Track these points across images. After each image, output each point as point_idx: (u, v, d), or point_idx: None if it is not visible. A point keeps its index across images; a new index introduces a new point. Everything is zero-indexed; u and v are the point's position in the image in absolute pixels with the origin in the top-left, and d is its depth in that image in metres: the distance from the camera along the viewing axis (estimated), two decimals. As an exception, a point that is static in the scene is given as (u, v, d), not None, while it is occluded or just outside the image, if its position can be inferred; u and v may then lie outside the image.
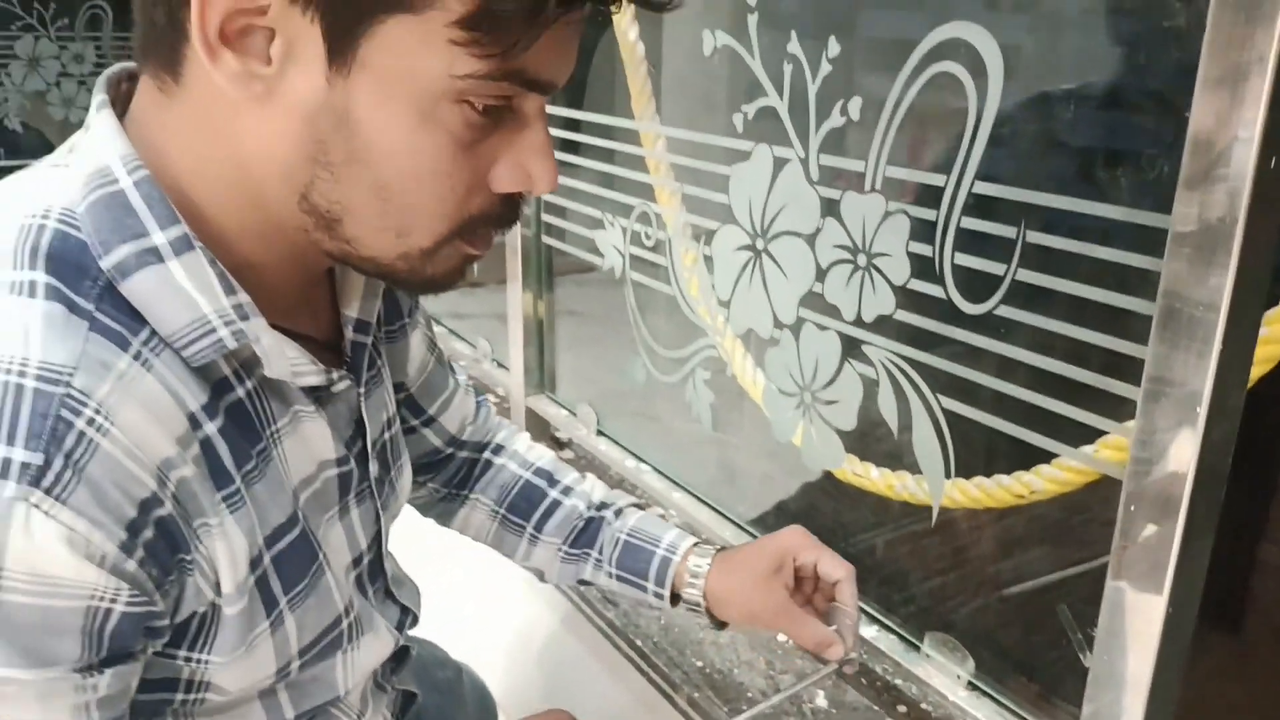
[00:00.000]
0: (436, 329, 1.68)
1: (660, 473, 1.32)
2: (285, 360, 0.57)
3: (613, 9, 0.53)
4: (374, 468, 0.68)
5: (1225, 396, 0.63)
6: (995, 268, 0.79)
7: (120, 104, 0.56)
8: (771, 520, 1.16)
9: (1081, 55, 0.74)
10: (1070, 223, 0.73)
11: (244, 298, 0.54)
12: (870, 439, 0.97)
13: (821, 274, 0.97)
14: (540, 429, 1.58)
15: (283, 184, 0.53)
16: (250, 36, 0.48)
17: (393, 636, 0.72)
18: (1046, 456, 0.82)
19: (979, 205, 0.80)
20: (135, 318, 0.51)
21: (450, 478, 0.93)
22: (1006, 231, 0.78)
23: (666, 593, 0.85)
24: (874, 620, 1.01)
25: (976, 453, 0.89)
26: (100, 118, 0.54)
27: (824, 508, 1.09)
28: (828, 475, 1.04)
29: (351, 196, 0.52)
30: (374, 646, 0.69)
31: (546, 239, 1.48)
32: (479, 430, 0.94)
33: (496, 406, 1.76)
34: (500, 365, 1.74)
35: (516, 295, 1.52)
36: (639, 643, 1.10)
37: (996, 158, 0.78)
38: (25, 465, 0.45)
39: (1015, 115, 0.77)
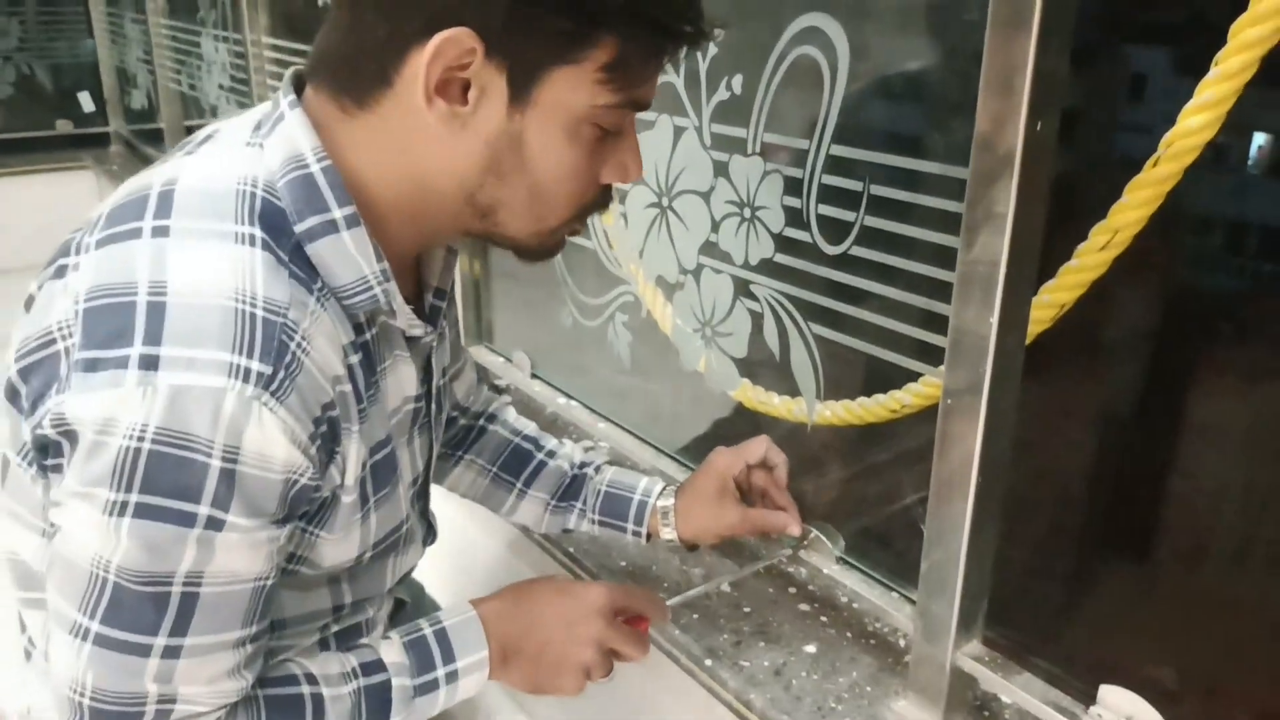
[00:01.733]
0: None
1: (588, 407, 1.49)
2: (405, 315, 0.75)
3: (700, 49, 0.75)
4: (434, 406, 0.87)
5: (1014, 300, 0.81)
6: (848, 215, 0.97)
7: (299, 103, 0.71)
8: (682, 440, 1.33)
9: (909, 41, 0.92)
10: (903, 177, 0.91)
11: (386, 265, 0.71)
12: (760, 365, 1.15)
13: (716, 226, 1.14)
14: (481, 375, 1.73)
15: (457, 187, 0.70)
16: (452, 86, 0.66)
17: (422, 549, 0.92)
18: (909, 377, 1.00)
19: (835, 164, 0.97)
20: (314, 273, 0.68)
21: (450, 439, 1.10)
22: (855, 185, 0.95)
23: (644, 530, 1.05)
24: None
25: (847, 375, 1.07)
26: (294, 115, 0.69)
27: (725, 427, 1.27)
28: (728, 399, 1.21)
29: (510, 195, 0.71)
30: (412, 554, 0.89)
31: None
32: (477, 401, 1.13)
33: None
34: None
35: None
36: (572, 549, 1.28)
37: (847, 125, 0.95)
38: (260, 374, 0.62)
39: (860, 90, 0.94)
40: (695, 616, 1.10)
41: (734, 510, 1.02)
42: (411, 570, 1.01)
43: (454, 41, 0.62)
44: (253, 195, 0.67)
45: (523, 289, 1.68)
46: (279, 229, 0.67)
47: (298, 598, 0.79)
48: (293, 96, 0.70)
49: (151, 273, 0.63)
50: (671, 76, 1.14)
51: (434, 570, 1.47)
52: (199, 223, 0.65)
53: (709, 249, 1.16)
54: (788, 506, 1.02)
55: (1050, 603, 1.20)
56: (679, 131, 1.15)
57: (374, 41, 0.65)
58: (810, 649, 1.06)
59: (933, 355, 0.94)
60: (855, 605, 1.10)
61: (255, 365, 0.62)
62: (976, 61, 0.79)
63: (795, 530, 1.01)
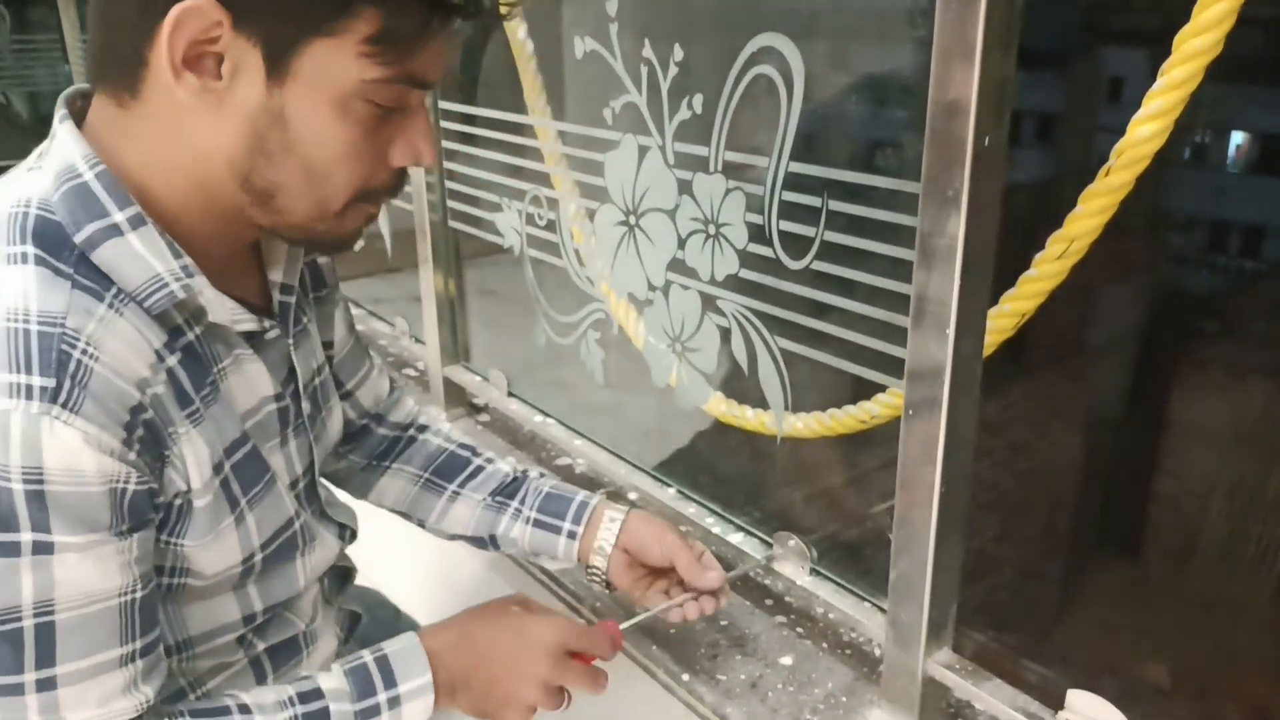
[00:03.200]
0: (358, 311, 1.87)
1: (564, 425, 1.50)
2: (225, 309, 0.73)
3: (470, 16, 0.69)
4: (306, 406, 0.85)
5: (969, 313, 0.83)
6: (809, 231, 0.98)
7: (77, 117, 0.71)
8: (658, 456, 1.34)
9: (863, 59, 0.93)
10: (860, 193, 0.92)
11: (188, 260, 0.69)
12: (730, 379, 1.16)
13: (682, 243, 1.15)
14: (457, 395, 1.74)
15: (228, 170, 0.68)
16: (205, 60, 0.64)
17: (338, 543, 0.90)
18: (875, 389, 1.01)
19: (794, 181, 0.99)
20: (105, 279, 0.66)
21: (372, 450, 1.07)
22: (814, 201, 0.97)
23: (581, 529, 0.98)
24: (738, 529, 1.20)
25: (818, 386, 1.08)
26: (63, 128, 0.69)
27: (699, 441, 1.28)
28: (702, 413, 1.22)
29: (284, 177, 0.68)
30: (323, 551, 0.87)
31: (453, 223, 1.64)
32: (399, 411, 1.08)
33: (416, 378, 1.92)
34: (418, 340, 1.89)
35: (429, 276, 1.68)
36: (551, 569, 1.28)
37: (804, 142, 0.97)
38: (43, 388, 0.60)
39: (816, 109, 0.95)
40: (672, 631, 1.10)
41: (679, 536, 0.97)
42: (348, 575, 1.00)
43: (195, 12, 0.61)
44: (24, 215, 0.65)
45: (498, 307, 1.68)
46: (56, 242, 0.65)
47: (200, 610, 0.77)
48: (63, 112, 0.70)
49: None
50: (635, 96, 1.16)
51: (413, 584, 1.48)
52: None
53: (676, 266, 1.17)
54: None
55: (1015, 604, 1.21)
56: (643, 150, 1.17)
57: (127, 21, 0.64)
58: (786, 660, 1.06)
59: (897, 367, 0.95)
60: (830, 616, 1.11)
61: (36, 381, 0.60)
62: (928, 78, 0.80)
63: (715, 583, 0.95)
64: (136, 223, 0.67)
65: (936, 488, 0.87)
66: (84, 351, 0.62)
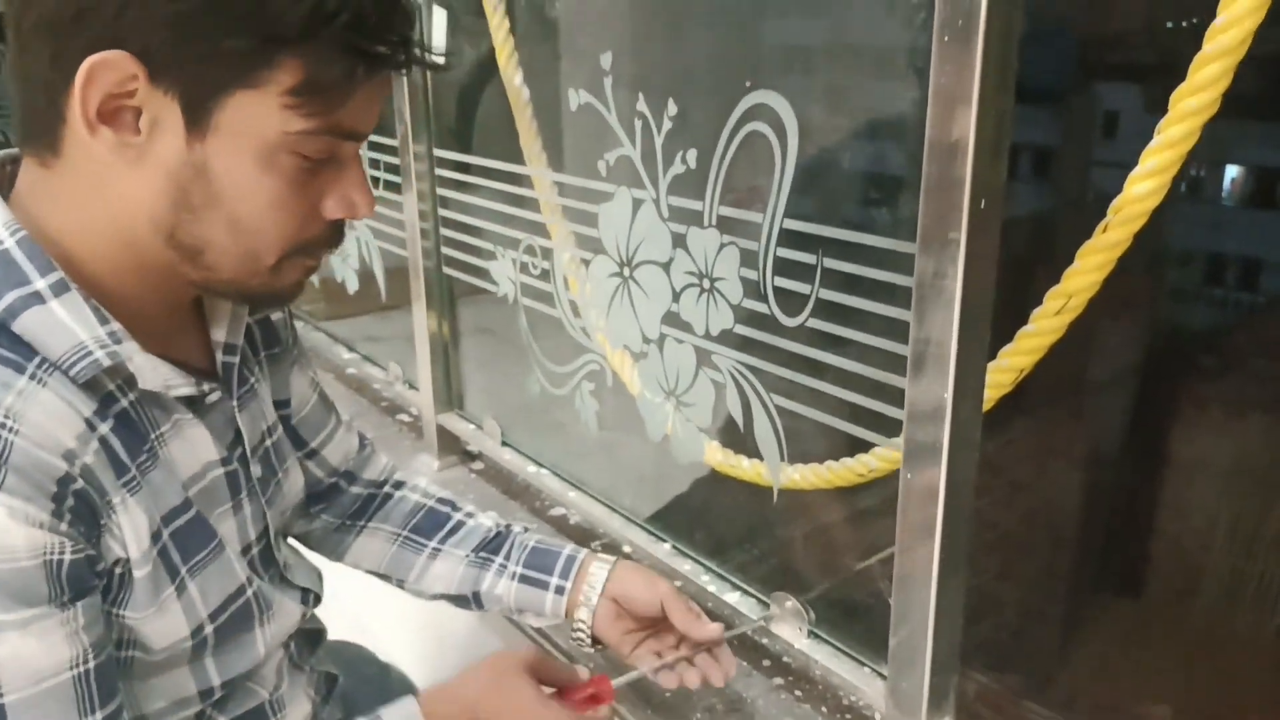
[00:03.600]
0: (350, 356, 1.85)
1: (558, 475, 1.48)
2: (159, 375, 0.70)
3: (403, 72, 0.69)
4: (256, 469, 0.82)
5: (967, 370, 0.81)
6: (804, 288, 0.97)
7: (7, 184, 0.70)
8: (653, 508, 1.32)
9: (857, 118, 0.93)
10: (856, 251, 0.91)
11: (116, 326, 0.66)
12: (726, 429, 1.15)
13: (676, 296, 1.13)
14: (451, 443, 1.72)
15: (152, 228, 0.66)
16: (122, 114, 0.62)
17: (300, 609, 0.86)
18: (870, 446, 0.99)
19: (789, 238, 0.97)
20: (27, 350, 0.63)
21: (346, 509, 1.04)
22: (809, 259, 0.95)
23: (569, 583, 0.96)
24: (735, 587, 1.18)
25: (816, 438, 1.06)
26: None
27: (695, 492, 1.26)
28: (699, 463, 1.20)
29: (210, 232, 0.66)
30: (284, 618, 0.84)
31: (448, 270, 1.63)
32: (372, 468, 1.06)
33: (409, 424, 1.90)
34: (411, 386, 1.87)
35: (422, 322, 1.67)
36: (538, 626, 1.26)
37: (799, 200, 0.96)
38: None
39: (811, 166, 0.94)
40: (668, 694, 1.08)
41: (672, 585, 0.95)
42: (318, 637, 0.96)
43: (108, 65, 0.59)
44: None
45: (493, 348, 1.67)
46: None
47: (154, 686, 0.74)
48: None
49: None
50: (629, 149, 1.15)
51: (400, 637, 1.45)
52: None
53: (671, 319, 1.15)
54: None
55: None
56: (637, 203, 1.16)
57: (41, 77, 0.62)
58: (784, 725, 1.04)
59: (893, 427, 0.94)
60: (829, 680, 1.08)
61: None
62: (923, 140, 0.79)
63: (713, 634, 0.92)
64: (59, 289, 0.64)
65: (936, 556, 0.85)
66: (2, 425, 0.60)
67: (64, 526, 0.62)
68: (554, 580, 0.97)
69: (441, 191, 1.56)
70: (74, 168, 0.65)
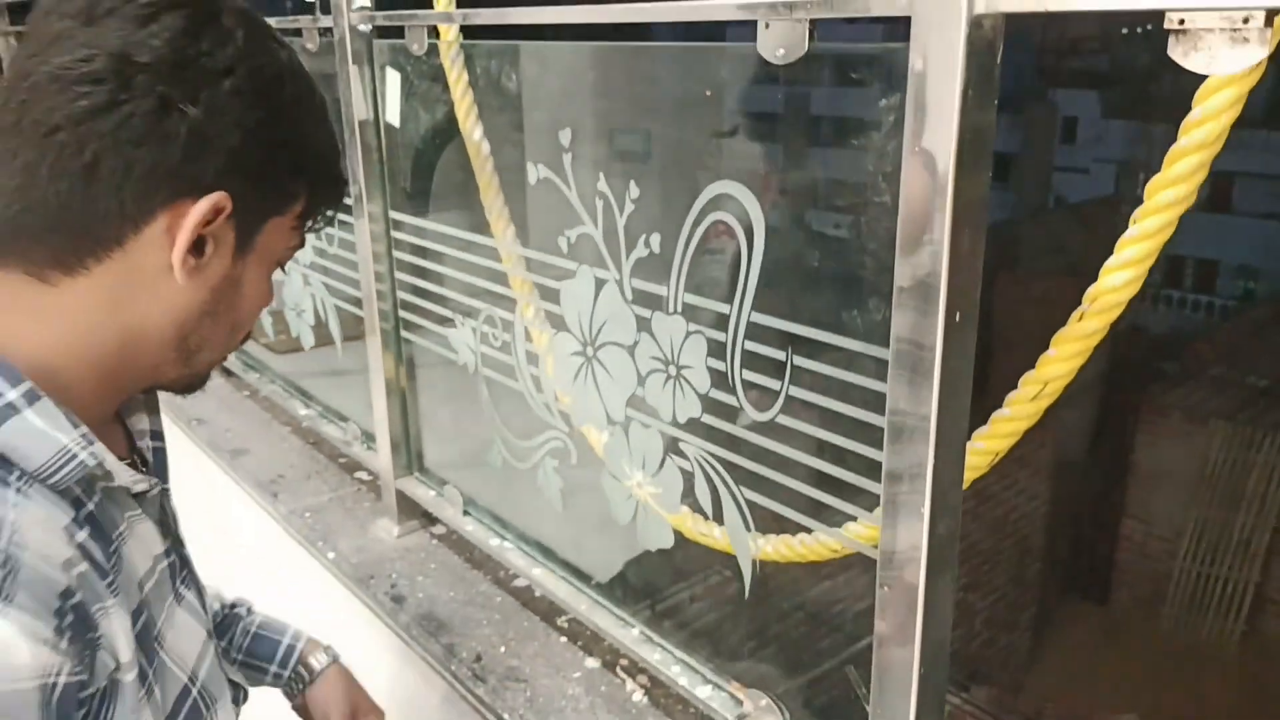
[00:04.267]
0: (306, 411, 1.79)
1: (522, 550, 1.44)
2: (127, 473, 0.70)
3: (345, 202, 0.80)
4: (186, 554, 0.83)
5: (943, 483, 0.78)
6: (773, 383, 0.94)
7: None
8: (620, 590, 1.28)
9: (824, 216, 0.90)
10: (827, 351, 0.88)
11: (85, 428, 0.65)
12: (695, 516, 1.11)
13: (642, 380, 1.10)
14: (411, 507, 1.67)
15: (175, 333, 0.70)
16: (197, 241, 0.67)
17: (234, 709, 0.86)
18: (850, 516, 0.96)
19: (757, 331, 0.94)
20: (4, 463, 0.62)
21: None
22: (779, 354, 0.92)
23: (287, 673, 1.05)
24: (706, 681, 1.14)
25: (781, 526, 1.03)
26: None
27: (662, 577, 1.22)
28: (668, 534, 1.16)
29: (216, 334, 0.73)
30: (224, 715, 0.81)
31: (406, 334, 1.58)
32: None
33: (368, 483, 1.85)
34: (369, 447, 1.82)
35: (380, 384, 1.62)
36: (505, 716, 1.22)
37: (766, 294, 0.93)
38: None
39: (778, 260, 0.91)
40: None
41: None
42: None
43: (215, 207, 0.66)
44: None
45: (453, 419, 1.62)
46: None
47: None
48: None
49: None
50: (590, 228, 1.11)
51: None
52: None
53: (636, 402, 1.12)
54: None
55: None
56: (600, 283, 1.12)
57: (108, 207, 0.64)
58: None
59: (869, 500, 0.91)
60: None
61: None
62: (892, 246, 0.77)
63: None
64: (31, 398, 0.63)
65: (917, 658, 0.82)
66: (9, 541, 0.59)
67: (64, 645, 0.60)
68: (272, 668, 1.05)
69: (399, 255, 1.52)
70: (100, 285, 0.66)
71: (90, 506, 0.67)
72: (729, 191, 0.93)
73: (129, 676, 0.66)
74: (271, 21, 1.65)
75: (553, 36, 1.12)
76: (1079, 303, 0.86)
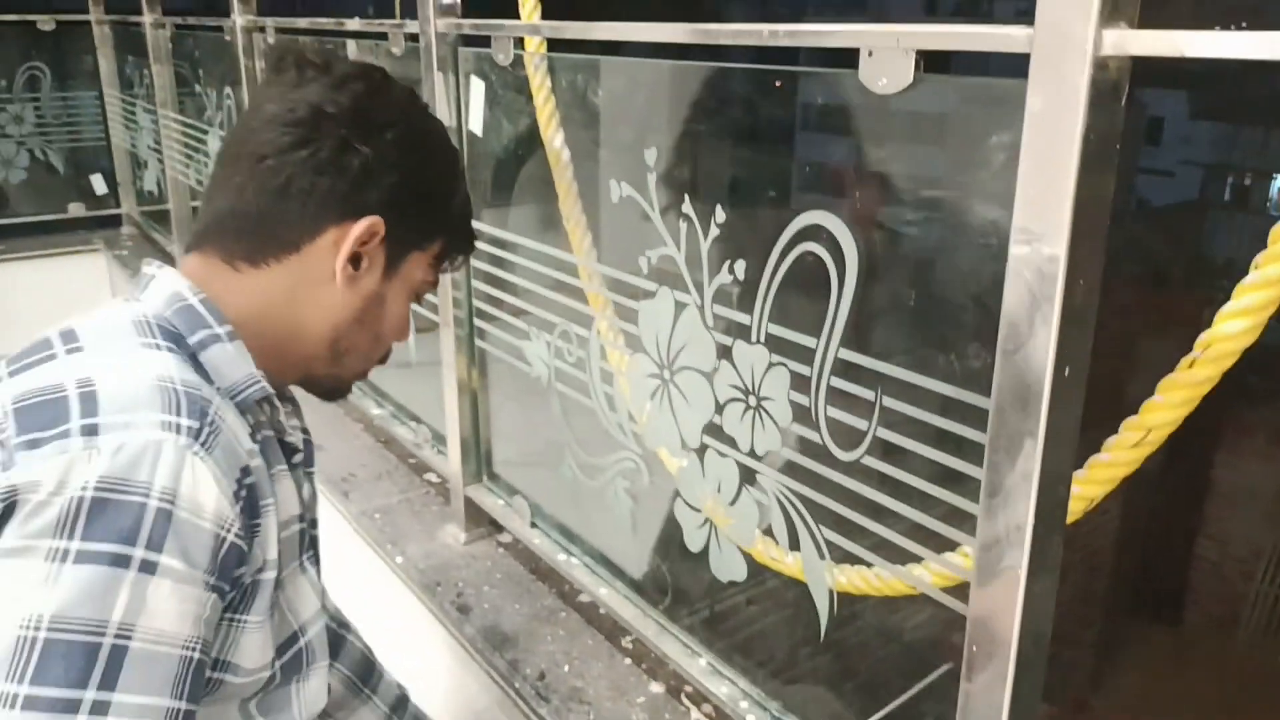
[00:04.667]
0: (379, 412, 1.82)
1: (589, 569, 1.42)
2: (285, 419, 0.85)
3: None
4: (316, 536, 0.92)
5: (1043, 557, 0.74)
6: (860, 423, 0.90)
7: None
8: (689, 618, 1.26)
9: (928, 255, 0.86)
10: (920, 396, 0.84)
11: (261, 374, 0.81)
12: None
13: (720, 408, 1.07)
14: (478, 515, 1.67)
15: (327, 330, 0.85)
16: (354, 256, 0.83)
17: (324, 697, 0.92)
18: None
19: (845, 369, 0.91)
20: (209, 378, 0.77)
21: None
22: (867, 394, 0.89)
23: None
24: (775, 718, 1.11)
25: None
26: (165, 271, 0.81)
27: (736, 611, 1.19)
28: (740, 565, 1.14)
29: (361, 341, 0.88)
30: (315, 684, 0.89)
31: (480, 344, 1.58)
32: (329, 597, 1.15)
33: (436, 487, 1.85)
34: (440, 451, 1.82)
35: (453, 391, 1.61)
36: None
37: (858, 331, 0.89)
38: (190, 428, 0.69)
39: (870, 298, 0.88)
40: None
41: None
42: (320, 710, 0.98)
43: (372, 229, 0.82)
44: (148, 323, 0.77)
45: (525, 429, 1.61)
46: (178, 341, 0.77)
47: None
48: (157, 263, 0.83)
49: (76, 374, 0.70)
50: (672, 250, 1.09)
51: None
52: (108, 343, 0.75)
53: (713, 430, 1.09)
54: None
55: None
56: (680, 306, 1.09)
57: (294, 218, 0.81)
58: None
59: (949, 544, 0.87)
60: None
61: (185, 421, 0.69)
62: (997, 289, 0.73)
63: None
64: (233, 336, 0.80)
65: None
66: (216, 411, 0.72)
67: (238, 508, 0.72)
68: None
69: (477, 264, 1.51)
70: (276, 279, 0.83)
71: (259, 439, 0.79)
72: (821, 222, 0.90)
73: (268, 576, 0.77)
74: (356, 23, 1.65)
75: (637, 53, 1.09)
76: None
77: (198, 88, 2.90)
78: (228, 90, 2.59)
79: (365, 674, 1.17)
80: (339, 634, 1.17)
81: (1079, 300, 0.69)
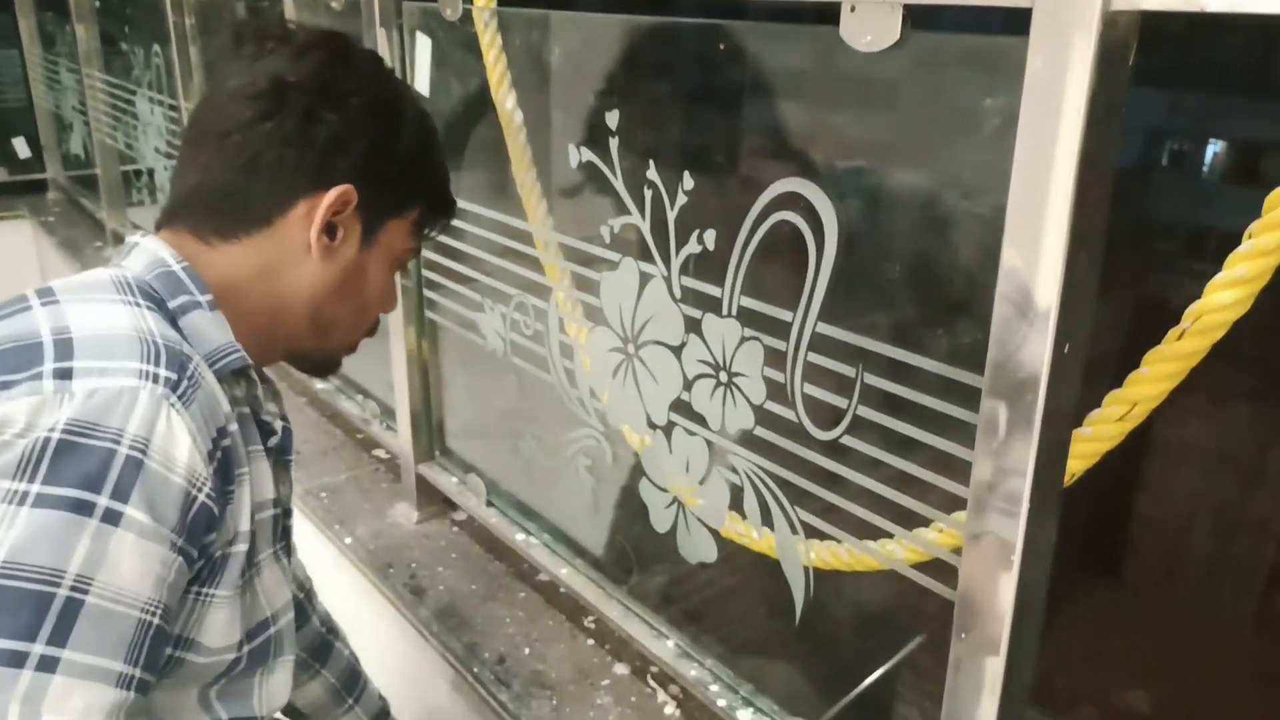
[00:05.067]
0: (324, 386, 1.74)
1: (550, 549, 1.37)
2: (264, 394, 0.83)
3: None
4: (290, 525, 0.90)
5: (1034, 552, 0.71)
6: (839, 401, 0.86)
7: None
8: (656, 599, 1.22)
9: (910, 225, 0.81)
10: (904, 371, 0.80)
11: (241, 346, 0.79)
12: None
13: (688, 384, 1.02)
14: (431, 493, 1.61)
15: (307, 303, 0.83)
16: (329, 226, 0.81)
17: (288, 687, 0.88)
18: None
19: (823, 343, 0.86)
20: (189, 343, 0.74)
21: (311, 643, 1.13)
22: (847, 370, 0.85)
23: None
24: (747, 703, 1.08)
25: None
26: (148, 239, 0.80)
27: (704, 590, 1.15)
28: (710, 558, 1.10)
29: (344, 313, 0.86)
30: (279, 678, 0.86)
31: (430, 314, 1.51)
32: (318, 603, 1.16)
33: (386, 462, 1.78)
34: (389, 427, 1.75)
35: (401, 366, 1.55)
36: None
37: (837, 304, 0.85)
38: (168, 379, 0.67)
39: (852, 269, 0.83)
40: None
41: None
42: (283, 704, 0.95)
43: (344, 198, 0.80)
44: (127, 281, 0.75)
45: (479, 404, 1.55)
46: (158, 302, 0.75)
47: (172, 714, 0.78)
48: (140, 232, 0.81)
49: (52, 323, 0.69)
50: (636, 219, 1.03)
51: None
52: (87, 294, 0.73)
53: (681, 407, 1.04)
54: None
55: None
56: (645, 278, 1.04)
57: (263, 192, 0.80)
58: None
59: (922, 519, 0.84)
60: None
61: (163, 371, 0.68)
62: (989, 258, 0.69)
63: None
64: (213, 305, 0.78)
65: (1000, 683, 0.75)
66: (196, 367, 0.71)
67: (212, 468, 0.69)
68: None
69: (424, 231, 1.43)
70: (250, 253, 0.81)
71: (235, 416, 0.75)
72: (798, 189, 0.85)
73: (239, 548, 0.74)
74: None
75: (594, 8, 1.02)
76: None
77: (124, 46, 2.75)
78: (156, 48, 2.45)
79: (351, 684, 1.18)
80: (327, 640, 1.16)
81: (1081, 273, 0.65)
